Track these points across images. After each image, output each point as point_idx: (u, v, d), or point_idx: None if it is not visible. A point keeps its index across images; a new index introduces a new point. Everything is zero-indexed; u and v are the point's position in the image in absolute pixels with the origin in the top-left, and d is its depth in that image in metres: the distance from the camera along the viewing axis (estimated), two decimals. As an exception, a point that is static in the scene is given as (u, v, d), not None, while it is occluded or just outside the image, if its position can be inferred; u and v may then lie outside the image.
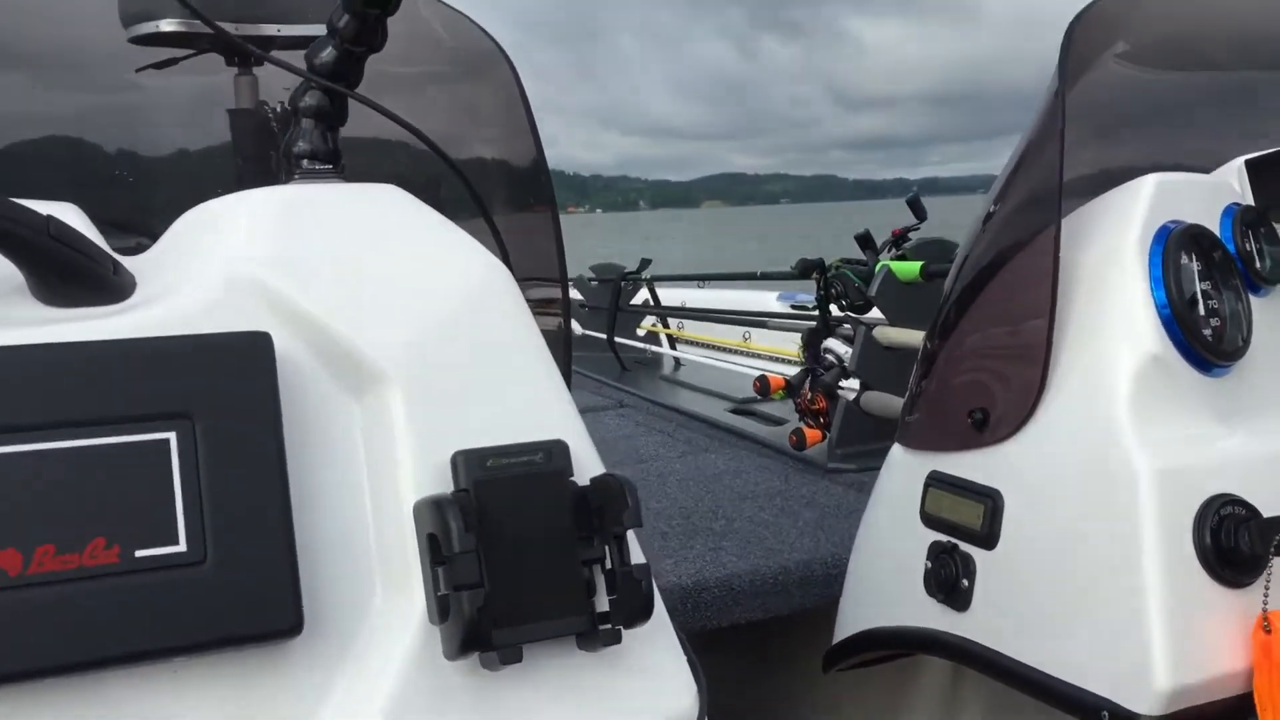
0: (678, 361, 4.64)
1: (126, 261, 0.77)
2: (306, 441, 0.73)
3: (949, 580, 1.23)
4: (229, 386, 0.68)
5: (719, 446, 2.69)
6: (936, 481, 1.27)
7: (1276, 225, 1.26)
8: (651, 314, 5.06)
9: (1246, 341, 1.18)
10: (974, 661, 1.20)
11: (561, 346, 1.13)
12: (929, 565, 1.26)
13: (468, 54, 1.28)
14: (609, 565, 0.76)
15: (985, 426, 1.21)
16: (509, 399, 0.79)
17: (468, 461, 0.73)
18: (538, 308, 0.84)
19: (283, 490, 0.68)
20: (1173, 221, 1.17)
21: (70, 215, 0.78)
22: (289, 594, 0.67)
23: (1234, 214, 1.23)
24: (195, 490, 0.66)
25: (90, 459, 0.64)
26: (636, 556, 0.78)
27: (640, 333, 5.06)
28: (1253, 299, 1.21)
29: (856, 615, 1.42)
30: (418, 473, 0.74)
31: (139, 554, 0.63)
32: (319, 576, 0.71)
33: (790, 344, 4.08)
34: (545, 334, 0.84)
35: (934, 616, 1.25)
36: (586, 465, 0.79)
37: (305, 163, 0.88)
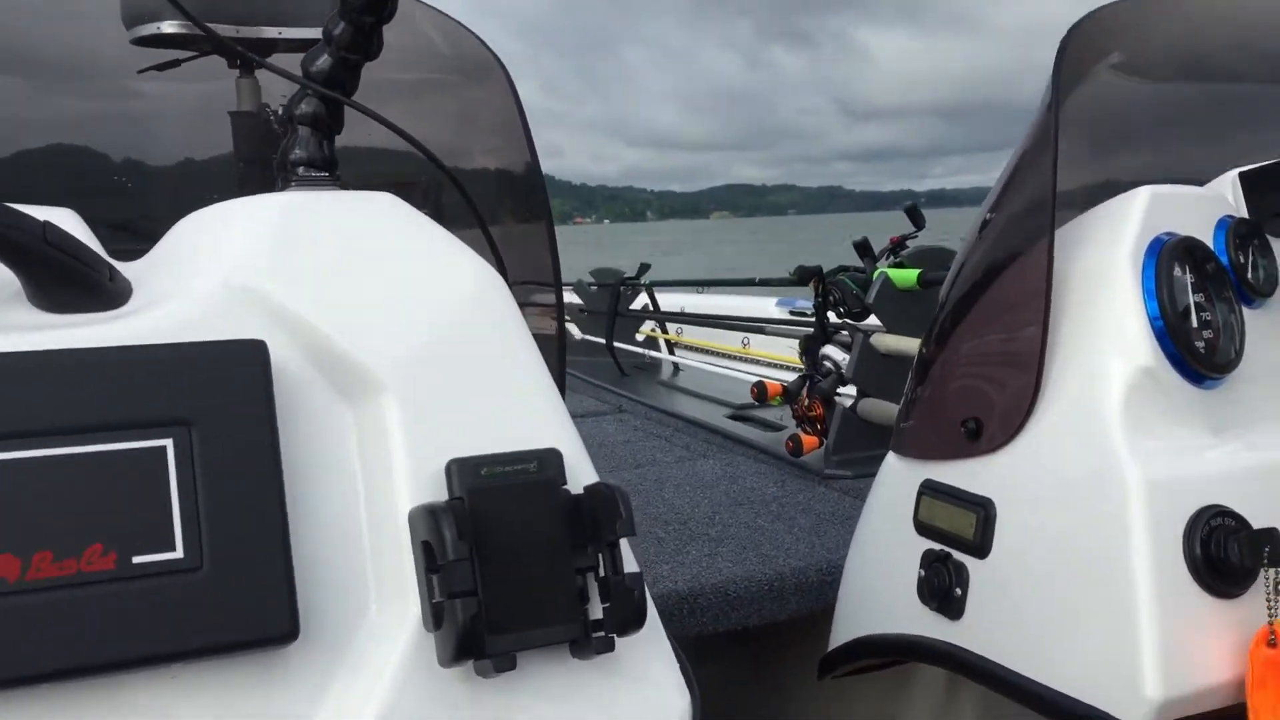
0: (676, 366, 4.65)
1: (122, 267, 0.77)
2: (302, 449, 0.73)
3: (942, 589, 1.23)
4: (225, 394, 0.69)
5: (716, 452, 2.70)
6: (930, 490, 1.28)
7: (1270, 238, 1.27)
8: (650, 319, 5.07)
9: (1239, 354, 1.18)
10: (967, 670, 1.20)
11: (556, 354, 1.13)
12: (922, 573, 1.26)
13: (463, 62, 1.28)
14: (602, 573, 0.77)
15: (979, 436, 1.21)
16: (503, 407, 0.79)
17: (462, 470, 0.74)
18: (533, 314, 0.85)
19: (279, 497, 0.69)
20: (1166, 233, 1.18)
21: (67, 220, 0.78)
22: (285, 601, 0.67)
23: (1227, 226, 1.24)
24: (192, 497, 0.66)
25: (87, 465, 0.64)
26: (629, 565, 0.78)
27: (639, 338, 5.07)
28: (1245, 311, 1.22)
29: (851, 622, 1.42)
30: (412, 481, 0.74)
31: (136, 560, 0.64)
32: (314, 583, 0.71)
33: (788, 350, 4.09)
34: (540, 341, 0.84)
35: (927, 624, 1.26)
36: (580, 474, 0.80)
37: (301, 170, 0.88)
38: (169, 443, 0.66)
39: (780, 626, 1.80)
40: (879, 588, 1.37)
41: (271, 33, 1.17)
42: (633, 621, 0.76)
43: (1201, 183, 1.32)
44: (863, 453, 2.42)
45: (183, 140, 1.33)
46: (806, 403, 2.65)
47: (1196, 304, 1.16)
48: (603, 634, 0.75)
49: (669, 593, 1.70)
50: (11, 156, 1.28)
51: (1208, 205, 1.26)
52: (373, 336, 0.76)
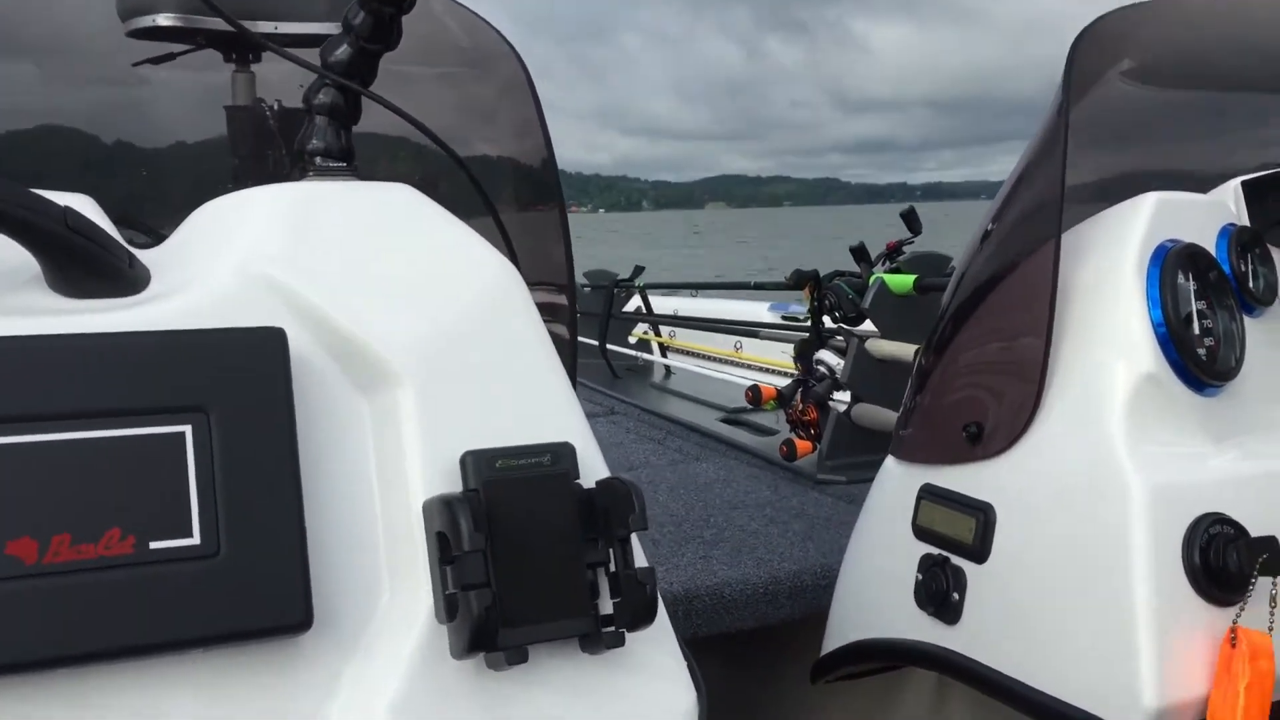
0: (668, 369, 4.65)
1: (141, 254, 0.77)
2: (318, 438, 0.73)
3: (939, 593, 1.23)
4: (244, 381, 0.69)
5: (709, 455, 2.70)
6: (929, 494, 1.28)
7: (1270, 246, 1.28)
8: (644, 321, 5.07)
9: (1240, 362, 1.19)
10: (963, 675, 1.20)
11: (567, 348, 1.13)
12: (920, 578, 1.27)
13: (480, 53, 1.29)
14: (613, 568, 0.77)
15: (979, 440, 1.22)
16: (518, 400, 0.80)
17: (477, 462, 0.74)
18: (542, 309, 0.85)
19: (295, 485, 0.69)
20: (1170, 240, 1.19)
21: (86, 207, 0.78)
22: (300, 589, 0.67)
23: (1230, 234, 1.25)
24: (210, 483, 0.66)
25: (106, 450, 0.64)
26: (640, 560, 0.78)
27: (631, 340, 5.07)
28: (1246, 320, 1.22)
29: (846, 626, 1.42)
30: (427, 472, 0.74)
31: (153, 546, 0.64)
32: (328, 572, 0.71)
33: (780, 354, 4.09)
34: (551, 335, 0.85)
35: (924, 629, 1.26)
36: (592, 468, 0.80)
37: (319, 160, 0.88)
38: (188, 429, 0.66)
39: (774, 630, 1.80)
40: (875, 592, 1.37)
41: (267, 27, 1.16)
42: (644, 617, 0.76)
43: (1207, 190, 1.33)
44: (857, 458, 2.42)
45: (201, 130, 1.33)
46: (800, 407, 2.66)
47: (1199, 311, 1.17)
48: (613, 629, 0.75)
49: (664, 595, 1.69)
50: (29, 143, 1.28)
51: (1210, 213, 1.27)
52: (389, 327, 0.76)
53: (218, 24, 1.14)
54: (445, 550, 0.71)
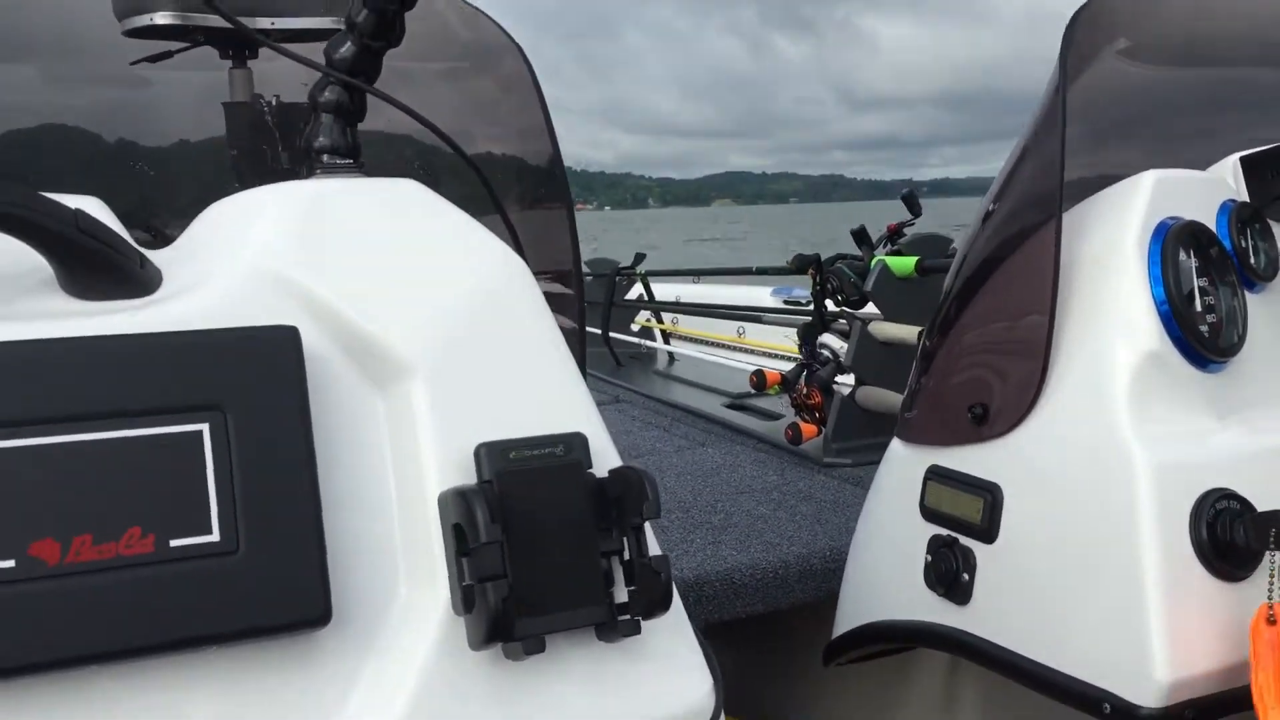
0: (671, 356, 4.65)
1: (151, 255, 0.78)
2: (333, 434, 0.74)
3: (949, 574, 1.24)
4: (259, 379, 0.69)
5: (715, 441, 2.71)
6: (936, 475, 1.28)
7: (1271, 222, 1.28)
8: (646, 309, 5.06)
9: (1242, 338, 1.20)
10: (974, 655, 1.21)
11: (576, 339, 1.14)
12: (929, 559, 1.27)
13: (484, 50, 1.29)
14: (627, 556, 0.77)
15: (985, 421, 1.22)
16: (529, 391, 0.80)
17: (491, 453, 0.75)
18: (549, 301, 0.85)
19: (312, 482, 0.69)
20: (1171, 218, 1.19)
21: (96, 209, 0.79)
22: (319, 584, 0.68)
23: (1230, 211, 1.25)
24: (228, 481, 0.67)
25: (125, 450, 0.65)
26: (654, 548, 0.79)
27: (634, 327, 5.06)
28: (1248, 295, 1.23)
29: (856, 609, 1.43)
30: (441, 464, 0.75)
31: (174, 544, 0.65)
32: (346, 567, 0.72)
33: (784, 339, 4.09)
34: (560, 326, 0.85)
35: (934, 610, 1.27)
36: (604, 457, 0.80)
37: (326, 158, 0.89)
38: (205, 427, 0.67)
39: (784, 614, 1.81)
40: (885, 574, 1.38)
41: (264, 23, 1.17)
42: (659, 605, 0.77)
43: (1205, 167, 1.33)
44: (861, 440, 2.43)
45: (207, 129, 1.33)
46: (805, 391, 2.66)
47: (1201, 288, 1.17)
48: (629, 617, 0.76)
49: (675, 582, 1.70)
50: (35, 145, 1.28)
51: (1210, 189, 1.27)
52: (401, 322, 0.77)
53: (215, 21, 1.14)
54: (461, 542, 0.72)
